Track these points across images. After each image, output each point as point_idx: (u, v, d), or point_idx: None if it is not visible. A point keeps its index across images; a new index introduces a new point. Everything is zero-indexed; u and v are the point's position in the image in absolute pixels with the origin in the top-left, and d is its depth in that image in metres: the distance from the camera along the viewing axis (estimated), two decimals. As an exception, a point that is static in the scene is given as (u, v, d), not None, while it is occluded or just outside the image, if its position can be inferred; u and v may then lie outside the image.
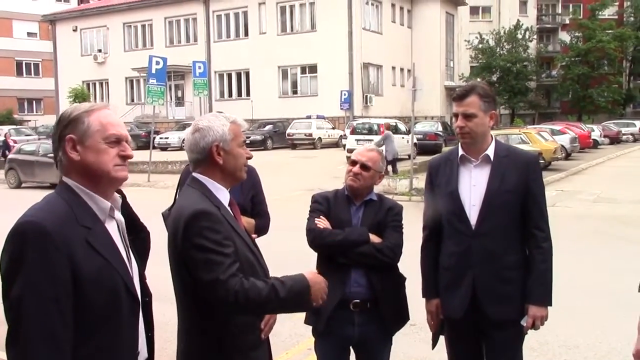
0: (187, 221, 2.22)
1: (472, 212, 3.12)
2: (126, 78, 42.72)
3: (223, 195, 2.40)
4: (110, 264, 1.90)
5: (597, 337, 5.42)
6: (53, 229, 1.79)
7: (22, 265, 1.75)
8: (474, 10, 53.60)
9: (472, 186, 3.15)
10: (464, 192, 3.16)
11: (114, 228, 2.02)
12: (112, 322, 1.89)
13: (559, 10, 58.23)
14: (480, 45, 49.02)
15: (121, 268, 1.95)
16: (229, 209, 2.41)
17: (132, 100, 42.87)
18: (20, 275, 1.75)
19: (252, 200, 3.69)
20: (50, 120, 46.82)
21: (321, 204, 3.39)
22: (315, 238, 3.29)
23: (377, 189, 3.33)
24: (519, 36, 49.06)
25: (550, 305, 3.15)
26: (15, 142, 30.41)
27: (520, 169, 3.12)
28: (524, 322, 3.09)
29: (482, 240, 3.10)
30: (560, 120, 42.17)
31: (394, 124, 26.96)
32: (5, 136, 27.54)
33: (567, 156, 26.46)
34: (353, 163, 3.35)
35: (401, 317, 3.43)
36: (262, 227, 3.78)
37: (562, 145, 25.58)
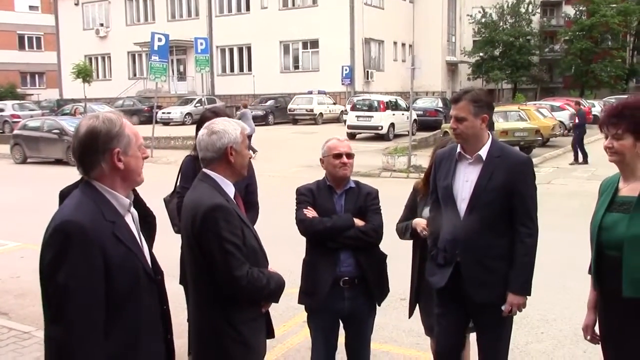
0: (205, 213, 2.66)
1: (462, 205, 3.42)
2: (128, 52, 42.77)
3: (230, 189, 2.84)
4: (131, 251, 2.25)
5: (573, 311, 5.75)
6: (89, 226, 2.13)
7: (66, 257, 2.09)
8: (477, -16, 53.25)
9: (465, 182, 3.44)
10: (457, 186, 3.46)
11: (130, 220, 2.35)
12: (135, 300, 2.24)
13: (563, -17, 57.78)
14: (483, 20, 48.81)
15: (139, 254, 2.30)
16: (234, 201, 2.83)
17: (135, 74, 42.98)
18: (64, 265, 2.09)
19: (246, 188, 4.00)
20: (53, 94, 47.01)
21: (307, 196, 3.75)
22: (306, 228, 3.67)
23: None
24: (522, 10, 48.75)
25: (529, 295, 3.45)
26: (18, 117, 30.66)
27: (509, 170, 3.37)
28: (503, 308, 3.39)
29: (468, 231, 3.39)
30: (563, 95, 42.13)
31: (394, 100, 27.16)
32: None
33: (567, 132, 26.66)
34: (339, 156, 3.67)
35: (384, 289, 3.85)
36: (252, 219, 4.10)
37: (562, 122, 25.77)
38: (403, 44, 41.02)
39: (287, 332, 5.56)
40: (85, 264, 2.09)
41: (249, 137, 20.03)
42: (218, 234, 2.63)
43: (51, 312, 2.13)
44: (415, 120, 24.29)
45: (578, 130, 18.77)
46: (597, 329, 3.16)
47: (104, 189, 2.26)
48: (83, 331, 2.08)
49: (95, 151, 2.23)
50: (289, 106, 33.22)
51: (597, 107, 35.21)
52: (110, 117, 2.28)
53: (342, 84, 35.84)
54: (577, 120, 18.90)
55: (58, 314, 2.10)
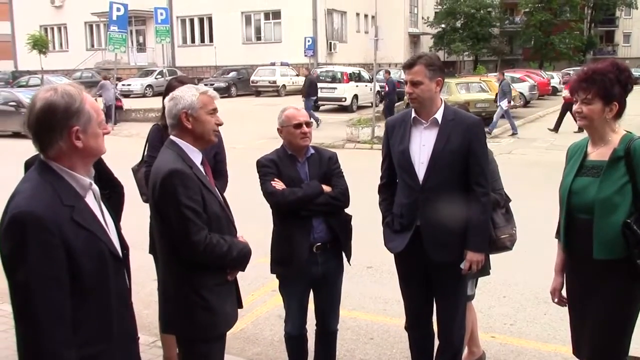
0: (163, 178, 2.67)
1: (421, 169, 3.49)
2: (85, 23, 41.66)
3: (196, 156, 2.81)
4: (94, 234, 2.13)
5: (533, 276, 5.93)
6: (46, 216, 2.00)
7: (25, 252, 1.98)
8: (439, -45, 53.19)
9: (422, 146, 3.50)
10: (414, 151, 3.52)
11: (92, 199, 2.22)
12: (102, 283, 2.16)
13: (524, -45, 58.02)
14: (445, -9, 48.90)
15: (103, 236, 2.18)
16: (201, 168, 2.83)
17: (93, 45, 41.96)
18: (23, 261, 1.98)
19: (214, 157, 3.98)
20: (7, 65, 45.54)
21: (270, 167, 3.72)
22: (278, 200, 3.65)
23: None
24: (483, -19, 49.02)
25: (486, 252, 3.58)
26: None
27: (464, 131, 3.46)
28: (462, 266, 3.50)
29: (428, 194, 3.47)
30: (522, 67, 42.70)
31: (357, 72, 27.14)
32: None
33: (526, 103, 27.07)
34: (299, 125, 3.67)
35: (351, 249, 3.91)
36: (220, 188, 4.08)
37: (521, 93, 26.14)
38: (366, 15, 40.83)
39: (256, 301, 5.60)
40: (45, 259, 1.99)
41: (108, 107, 21.39)
42: (175, 199, 2.64)
43: (16, 310, 2.05)
44: (378, 91, 24.36)
45: (388, 98, 19.12)
46: (564, 293, 3.24)
47: (62, 169, 2.12)
48: (49, 328, 2.00)
49: (52, 129, 2.07)
50: (252, 78, 32.91)
51: (555, 79, 35.77)
52: (70, 91, 2.11)
53: (305, 56, 35.57)
54: (387, 89, 19.40)
55: (23, 312, 2.02)
